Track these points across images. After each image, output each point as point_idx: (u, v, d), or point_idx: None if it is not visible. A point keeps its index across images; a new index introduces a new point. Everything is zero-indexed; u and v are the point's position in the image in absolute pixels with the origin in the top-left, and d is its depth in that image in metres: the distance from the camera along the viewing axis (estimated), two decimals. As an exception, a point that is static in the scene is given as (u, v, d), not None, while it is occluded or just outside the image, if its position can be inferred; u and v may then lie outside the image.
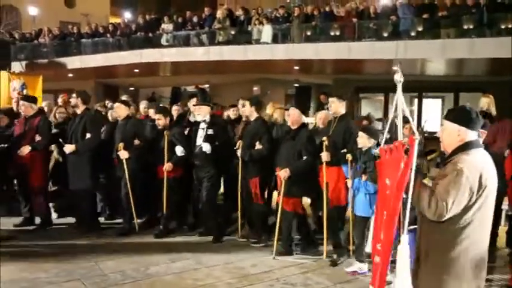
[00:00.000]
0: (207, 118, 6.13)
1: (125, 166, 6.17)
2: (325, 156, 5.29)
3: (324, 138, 5.32)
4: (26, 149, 6.33)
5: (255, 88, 18.21)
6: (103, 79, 20.83)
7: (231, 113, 7.43)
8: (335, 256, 5.39)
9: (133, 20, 22.76)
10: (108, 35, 18.37)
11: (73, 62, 18.01)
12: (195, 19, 16.84)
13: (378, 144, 4.48)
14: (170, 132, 6.23)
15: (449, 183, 2.57)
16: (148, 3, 30.29)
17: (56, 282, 4.64)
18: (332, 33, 14.45)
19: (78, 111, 6.57)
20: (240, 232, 6.34)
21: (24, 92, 11.68)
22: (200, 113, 6.16)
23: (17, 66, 16.01)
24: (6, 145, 6.63)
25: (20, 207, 6.75)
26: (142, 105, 7.88)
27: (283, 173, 5.34)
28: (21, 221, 6.69)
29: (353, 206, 5.04)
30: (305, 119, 5.74)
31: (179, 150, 6.21)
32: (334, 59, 14.07)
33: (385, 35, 13.73)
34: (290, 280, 4.84)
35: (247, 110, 6.17)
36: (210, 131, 6.05)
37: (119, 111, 6.50)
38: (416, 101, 17.94)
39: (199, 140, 6.10)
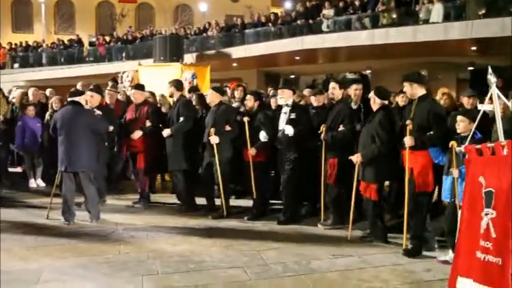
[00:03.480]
0: (290, 102, 6.12)
1: (216, 151, 6.26)
2: (408, 141, 4.89)
3: (408, 122, 4.93)
4: (137, 134, 6.84)
5: (422, 72, 16.82)
6: (265, 68, 21.40)
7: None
8: (409, 246, 5.04)
9: (294, 9, 22.94)
10: (270, 24, 18.74)
11: (237, 52, 18.80)
12: (357, 3, 16.19)
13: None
14: (257, 117, 6.35)
15: None
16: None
17: (220, 267, 4.66)
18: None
19: (174, 99, 6.97)
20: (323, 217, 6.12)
21: (195, 81, 12.38)
22: (283, 97, 6.16)
23: (188, 58, 17.28)
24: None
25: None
26: None
27: (354, 158, 5.36)
28: (138, 199, 7.18)
29: (452, 195, 4.61)
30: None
31: (262, 135, 6.25)
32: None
33: None
34: (473, 293, 4.13)
35: (336, 93, 5.97)
36: (293, 115, 6.04)
37: (211, 97, 6.67)
38: None
39: (282, 124, 6.10)
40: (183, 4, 35.07)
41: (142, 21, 33.59)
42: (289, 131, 5.98)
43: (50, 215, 6.41)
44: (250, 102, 6.58)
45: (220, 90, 6.79)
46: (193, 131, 6.72)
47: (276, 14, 19.87)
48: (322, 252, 5.13)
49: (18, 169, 9.59)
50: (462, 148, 3.67)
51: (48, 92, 9.67)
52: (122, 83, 12.19)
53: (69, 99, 6.34)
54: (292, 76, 22.25)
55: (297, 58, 18.40)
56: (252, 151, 6.30)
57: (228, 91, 9.63)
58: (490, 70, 3.50)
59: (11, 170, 9.52)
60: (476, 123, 4.20)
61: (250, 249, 5.22)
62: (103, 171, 7.11)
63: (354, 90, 6.10)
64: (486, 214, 3.26)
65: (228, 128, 6.41)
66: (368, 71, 20.41)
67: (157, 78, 12.14)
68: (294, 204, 6.28)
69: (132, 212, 6.84)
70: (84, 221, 6.28)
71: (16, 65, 24.70)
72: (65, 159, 6.03)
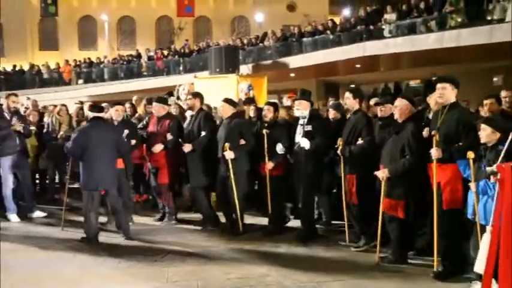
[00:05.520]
0: (306, 113, 5.84)
1: (231, 166, 5.97)
2: (435, 152, 4.48)
3: (434, 132, 4.55)
4: (158, 147, 6.59)
5: (495, 79, 15.51)
6: (324, 77, 20.74)
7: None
8: (440, 268, 4.57)
9: (352, 15, 22.23)
10: (328, 32, 18.12)
11: (295, 61, 18.26)
12: (421, 5, 15.23)
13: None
14: (272, 130, 6.14)
15: None
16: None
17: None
18: None
19: (193, 112, 6.65)
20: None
21: (251, 92, 11.99)
22: (299, 108, 5.89)
23: (244, 69, 16.99)
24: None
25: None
26: None
27: (380, 174, 4.97)
28: (160, 216, 7.03)
29: (474, 212, 4.17)
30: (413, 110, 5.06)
31: (279, 148, 6.04)
32: None
33: None
34: None
35: (350, 103, 5.66)
36: (309, 127, 5.77)
37: (223, 109, 6.41)
38: None
39: (298, 137, 5.86)
40: (239, 16, 35.28)
41: (200, 34, 34.05)
42: (305, 144, 5.71)
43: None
44: (270, 113, 6.31)
45: (232, 102, 6.48)
46: (215, 145, 6.34)
47: (333, 21, 19.22)
48: (392, 286, 4.46)
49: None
50: (494, 168, 3.39)
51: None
52: (178, 95, 12.02)
53: (92, 115, 6.16)
54: (353, 85, 21.44)
55: (358, 66, 17.62)
56: (269, 165, 6.06)
57: (286, 102, 9.12)
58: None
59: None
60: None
61: (310, 280, 4.63)
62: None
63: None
64: None
65: (242, 141, 6.14)
66: (434, 78, 19.23)
67: (213, 90, 11.88)
68: (311, 221, 6.07)
69: (182, 233, 6.42)
70: (133, 241, 5.99)
71: (80, 81, 25.58)
72: (99, 178, 5.85)
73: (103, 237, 6.05)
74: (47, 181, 8.90)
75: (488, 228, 3.72)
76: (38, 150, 8.47)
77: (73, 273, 4.94)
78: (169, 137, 6.61)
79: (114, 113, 6.88)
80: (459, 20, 13.72)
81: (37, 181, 8.98)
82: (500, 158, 3.67)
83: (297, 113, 5.99)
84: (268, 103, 6.71)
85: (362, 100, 5.94)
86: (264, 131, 6.11)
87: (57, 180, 8.94)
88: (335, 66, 18.09)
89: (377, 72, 19.46)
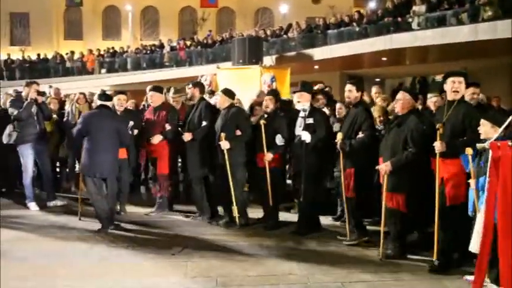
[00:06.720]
0: (307, 106, 5.74)
1: (226, 157, 5.85)
2: (439, 146, 4.43)
3: (438, 125, 4.48)
4: (157, 138, 6.50)
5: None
6: (348, 70, 20.31)
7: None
8: (436, 262, 4.53)
9: (379, 7, 21.69)
10: (354, 24, 17.68)
11: (319, 53, 17.86)
12: (453, -3, 14.68)
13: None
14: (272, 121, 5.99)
15: None
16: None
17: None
18: None
19: (194, 101, 6.54)
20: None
21: (274, 84, 11.76)
22: (301, 100, 5.76)
23: (268, 60, 16.70)
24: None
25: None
26: None
27: (383, 167, 4.85)
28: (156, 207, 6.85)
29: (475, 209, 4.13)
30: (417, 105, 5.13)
31: (278, 139, 5.94)
32: None
33: None
34: None
35: (353, 95, 5.47)
36: (310, 120, 5.65)
37: (220, 100, 6.31)
38: None
39: (299, 130, 5.75)
40: (263, 7, 34.98)
41: (223, 25, 33.84)
42: (306, 137, 5.62)
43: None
44: (271, 103, 6.12)
45: (230, 94, 6.31)
46: (214, 136, 6.22)
47: (360, 13, 18.74)
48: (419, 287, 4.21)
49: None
50: (486, 144, 3.35)
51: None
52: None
53: (99, 102, 6.12)
54: (378, 79, 21.00)
55: (384, 59, 17.14)
56: (268, 156, 5.88)
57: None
58: None
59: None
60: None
61: (334, 280, 4.40)
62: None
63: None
64: None
65: (238, 132, 6.05)
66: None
67: (235, 81, 11.68)
68: (311, 216, 5.94)
69: (198, 227, 6.26)
70: (151, 234, 5.83)
71: (103, 70, 25.67)
72: (98, 165, 5.82)
73: (120, 229, 5.94)
74: (67, 170, 8.85)
75: (482, 208, 3.65)
76: (59, 139, 8.41)
77: (88, 265, 4.82)
78: (167, 127, 6.53)
79: (116, 102, 6.77)
80: (490, 13, 13.16)
81: (57, 169, 8.94)
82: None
83: (297, 105, 5.87)
84: (269, 93, 6.52)
85: (363, 92, 5.83)
86: (261, 122, 5.97)
87: (77, 169, 8.88)
88: (360, 59, 17.65)
89: (403, 66, 18.96)
